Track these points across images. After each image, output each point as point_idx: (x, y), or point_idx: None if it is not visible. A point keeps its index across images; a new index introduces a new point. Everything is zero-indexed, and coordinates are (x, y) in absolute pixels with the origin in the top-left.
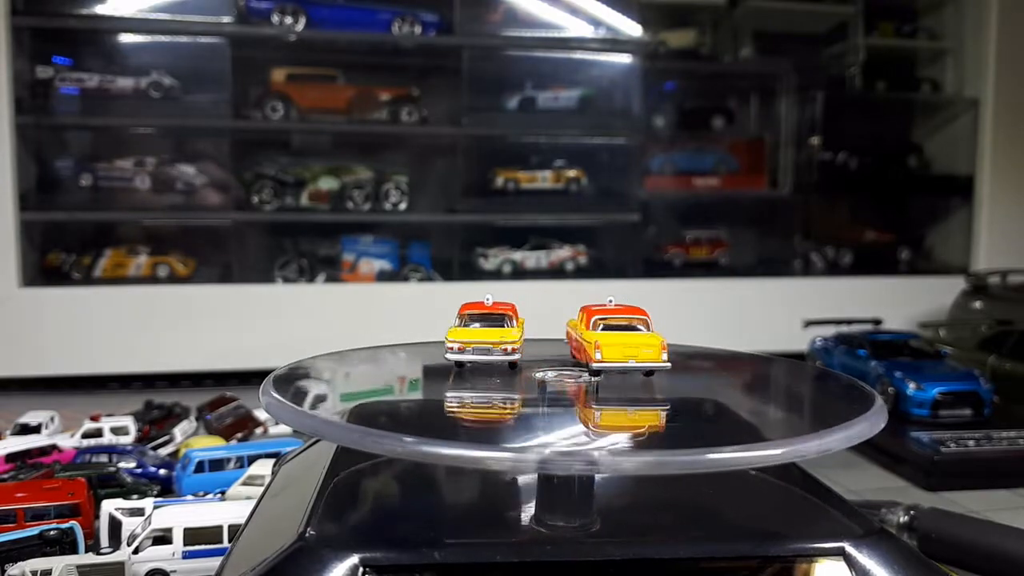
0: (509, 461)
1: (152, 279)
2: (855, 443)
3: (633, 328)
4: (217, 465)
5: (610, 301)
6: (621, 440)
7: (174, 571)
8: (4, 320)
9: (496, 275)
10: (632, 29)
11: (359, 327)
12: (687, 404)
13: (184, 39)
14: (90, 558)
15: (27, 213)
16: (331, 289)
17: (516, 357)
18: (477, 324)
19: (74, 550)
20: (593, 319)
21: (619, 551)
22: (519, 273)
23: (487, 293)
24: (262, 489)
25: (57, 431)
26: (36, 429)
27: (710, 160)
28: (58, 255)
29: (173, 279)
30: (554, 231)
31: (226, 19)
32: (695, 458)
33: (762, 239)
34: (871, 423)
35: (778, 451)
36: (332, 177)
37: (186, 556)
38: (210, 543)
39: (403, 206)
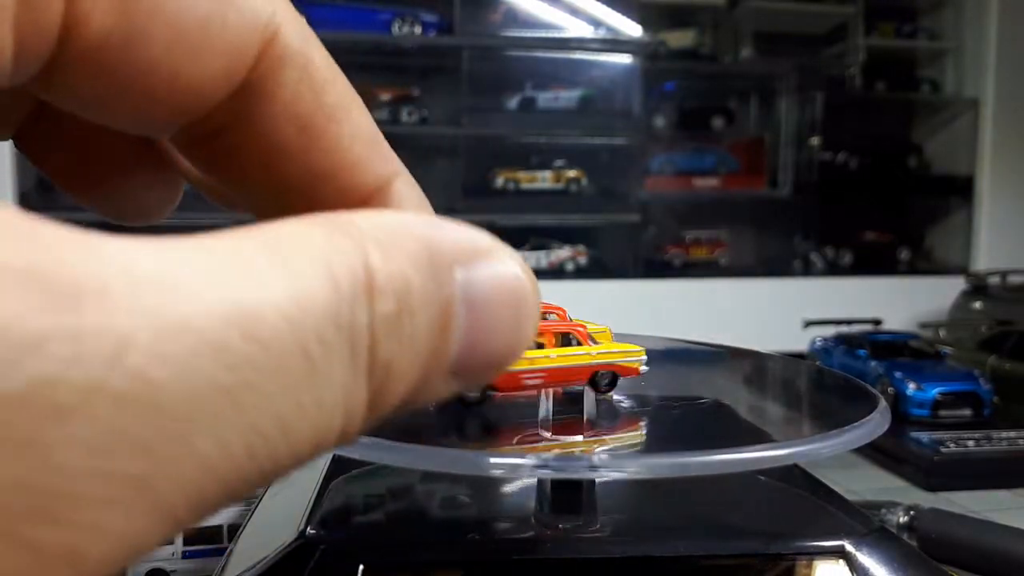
0: (507, 466)
1: None
2: (859, 445)
3: None
4: None
5: None
6: (622, 442)
7: (174, 571)
8: None
9: None
10: (632, 29)
11: None
12: (688, 403)
13: None
14: None
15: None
16: None
17: None
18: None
19: None
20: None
21: (618, 549)
22: None
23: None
24: (262, 489)
25: None
26: None
27: (710, 160)
28: None
29: None
30: (554, 231)
31: None
32: (697, 460)
33: (762, 239)
34: (875, 426)
35: (782, 452)
36: None
37: (186, 556)
38: (210, 543)
39: None
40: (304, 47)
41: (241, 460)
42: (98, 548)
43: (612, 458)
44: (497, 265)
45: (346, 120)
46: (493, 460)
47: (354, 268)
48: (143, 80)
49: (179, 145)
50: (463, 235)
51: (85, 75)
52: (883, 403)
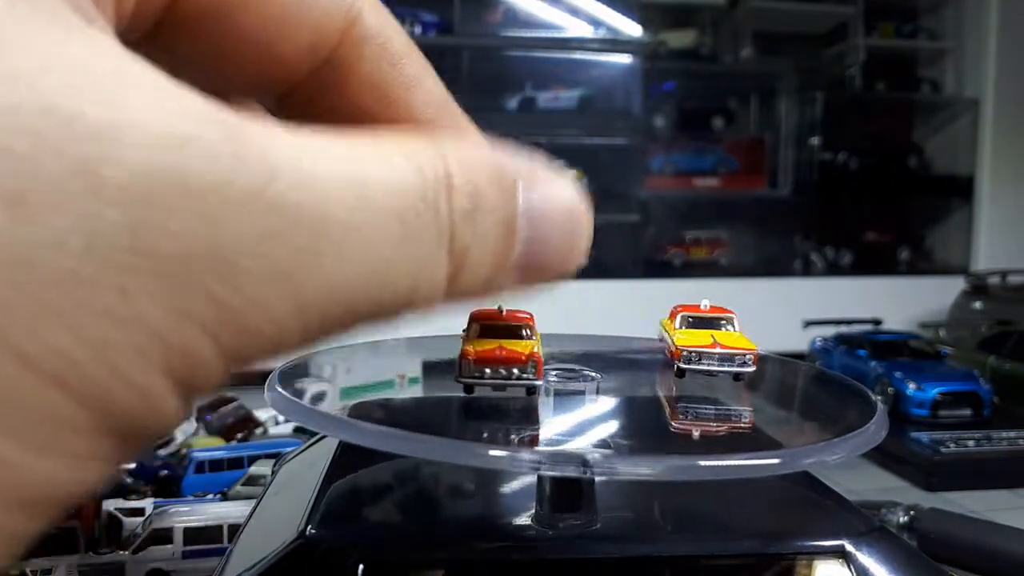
0: (504, 460)
1: None
2: (858, 453)
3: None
4: (219, 465)
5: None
6: (620, 442)
7: (174, 571)
8: None
9: None
10: (632, 29)
11: None
12: (689, 403)
13: None
14: (90, 558)
15: None
16: None
17: None
18: None
19: (74, 550)
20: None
21: (619, 548)
22: None
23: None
24: (262, 489)
25: None
26: None
27: (710, 160)
28: None
29: None
30: None
31: None
32: (692, 464)
33: (762, 239)
34: (872, 435)
35: (776, 460)
36: None
37: (186, 556)
38: (210, 543)
39: None
40: (383, 28)
41: (356, 283)
42: (255, 318)
43: (606, 459)
44: (555, 188)
45: (419, 88)
46: (492, 453)
47: (437, 168)
48: (237, 48)
49: (272, 114)
50: (527, 163)
51: (187, 38)
52: (881, 408)
